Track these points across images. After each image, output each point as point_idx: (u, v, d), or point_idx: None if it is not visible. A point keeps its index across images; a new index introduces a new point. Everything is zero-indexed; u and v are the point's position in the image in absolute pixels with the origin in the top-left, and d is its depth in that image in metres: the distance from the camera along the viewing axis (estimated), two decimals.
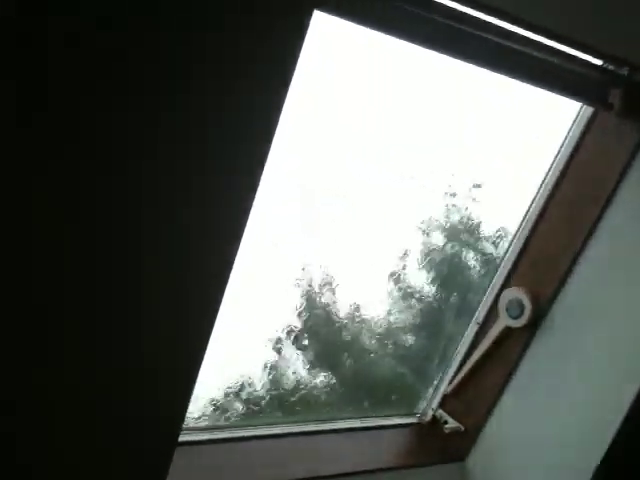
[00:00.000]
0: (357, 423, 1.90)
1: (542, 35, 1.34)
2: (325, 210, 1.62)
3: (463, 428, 1.92)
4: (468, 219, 1.86)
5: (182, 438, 1.53)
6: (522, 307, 1.74)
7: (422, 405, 2.02)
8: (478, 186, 1.83)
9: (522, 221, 1.81)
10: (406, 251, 1.83)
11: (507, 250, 1.85)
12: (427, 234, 1.84)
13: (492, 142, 1.73)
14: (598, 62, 1.49)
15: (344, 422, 1.88)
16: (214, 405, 1.65)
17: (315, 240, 1.65)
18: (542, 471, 1.75)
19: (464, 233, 1.89)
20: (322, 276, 1.74)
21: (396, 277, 1.85)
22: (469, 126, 1.69)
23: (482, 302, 1.90)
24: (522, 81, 1.46)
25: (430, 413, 1.99)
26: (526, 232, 1.80)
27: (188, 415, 1.58)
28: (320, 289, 1.74)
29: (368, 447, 1.86)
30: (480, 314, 1.90)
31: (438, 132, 1.65)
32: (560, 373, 1.72)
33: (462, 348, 1.94)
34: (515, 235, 1.83)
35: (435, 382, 2.01)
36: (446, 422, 1.94)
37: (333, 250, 1.70)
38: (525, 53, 1.37)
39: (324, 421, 1.84)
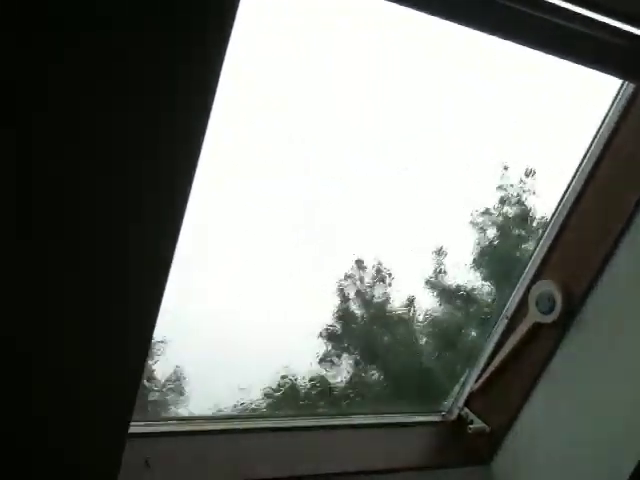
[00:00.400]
0: (379, 419, 1.97)
1: (580, 5, 1.35)
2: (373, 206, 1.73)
3: (489, 429, 1.96)
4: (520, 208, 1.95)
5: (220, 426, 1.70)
6: (553, 301, 1.76)
7: (448, 403, 2.09)
8: (532, 173, 1.90)
9: (556, 209, 1.83)
10: (442, 247, 1.93)
11: (539, 239, 1.87)
12: (481, 229, 1.92)
13: (527, 124, 1.78)
14: None
15: (365, 417, 1.95)
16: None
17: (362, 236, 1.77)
18: (572, 478, 1.77)
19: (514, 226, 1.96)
20: (370, 273, 1.86)
21: (436, 273, 1.95)
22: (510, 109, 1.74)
23: (512, 295, 1.94)
24: (556, 56, 1.45)
25: (456, 412, 2.05)
26: (560, 220, 1.82)
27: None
28: (367, 284, 1.85)
29: (388, 445, 1.92)
30: (509, 308, 1.94)
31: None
32: (593, 373, 1.74)
33: (490, 343, 1.99)
34: (548, 224, 1.85)
35: (462, 379, 2.07)
36: (472, 422, 1.99)
37: (380, 246, 1.82)
38: (561, 25, 1.36)
39: (343, 416, 1.93)
